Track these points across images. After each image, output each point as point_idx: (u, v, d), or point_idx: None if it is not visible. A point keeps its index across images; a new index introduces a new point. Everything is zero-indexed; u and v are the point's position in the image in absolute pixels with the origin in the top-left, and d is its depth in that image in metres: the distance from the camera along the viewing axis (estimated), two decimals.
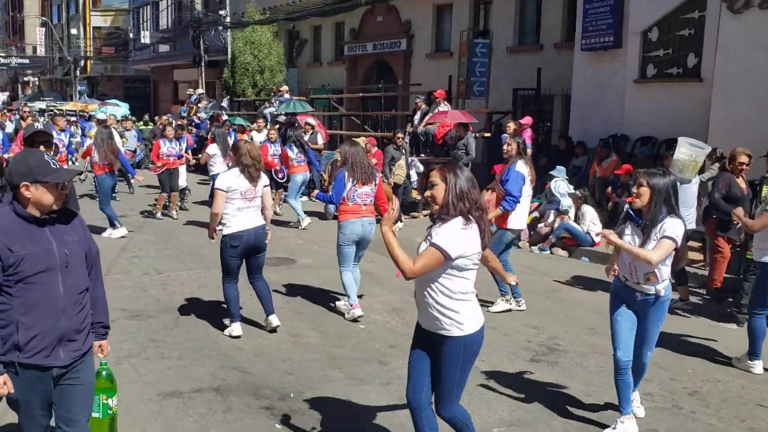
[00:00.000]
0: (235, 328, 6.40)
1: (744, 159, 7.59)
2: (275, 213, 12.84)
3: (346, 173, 6.91)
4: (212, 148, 11.99)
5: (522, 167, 7.17)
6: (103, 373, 3.65)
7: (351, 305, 7.05)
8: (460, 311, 3.53)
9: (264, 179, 6.39)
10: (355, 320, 6.97)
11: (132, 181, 15.55)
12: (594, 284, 8.85)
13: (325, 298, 7.75)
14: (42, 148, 4.50)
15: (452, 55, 18.91)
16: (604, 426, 4.71)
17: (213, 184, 11.20)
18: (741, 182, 7.70)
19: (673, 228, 4.30)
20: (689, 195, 7.72)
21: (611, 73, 14.00)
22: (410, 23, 21.44)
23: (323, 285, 8.26)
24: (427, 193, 3.58)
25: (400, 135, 13.11)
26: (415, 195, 13.38)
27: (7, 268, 3.02)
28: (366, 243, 7.16)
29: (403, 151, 12.95)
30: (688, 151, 7.70)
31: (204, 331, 6.55)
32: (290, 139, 12.40)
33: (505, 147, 7.39)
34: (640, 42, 13.37)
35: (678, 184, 7.24)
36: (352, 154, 6.95)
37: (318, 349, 6.19)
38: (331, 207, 11.55)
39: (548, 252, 10.74)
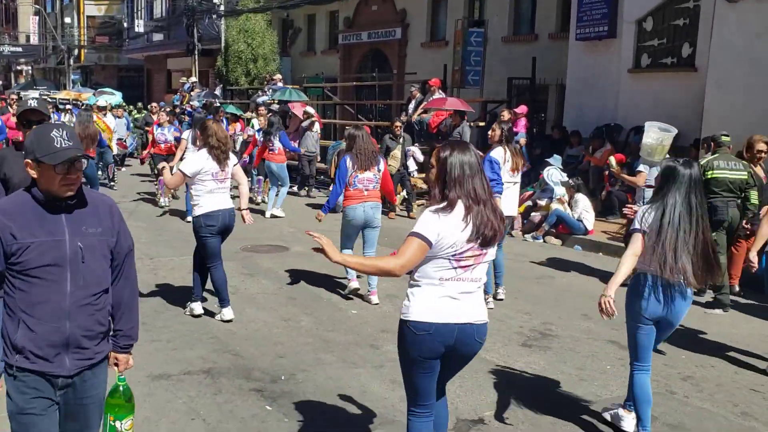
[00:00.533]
0: (226, 312, 6.36)
1: (762, 147, 7.48)
2: (253, 201, 12.78)
3: (349, 159, 6.96)
4: (186, 134, 11.85)
5: (496, 153, 6.92)
6: (120, 388, 2.92)
7: (349, 279, 7.26)
8: (413, 295, 3.24)
9: (233, 159, 6.38)
10: (352, 293, 7.21)
11: (115, 172, 15.27)
12: (587, 271, 8.84)
13: (318, 285, 7.71)
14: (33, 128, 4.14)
15: (447, 44, 18.86)
16: (596, 410, 4.69)
17: None
18: (759, 170, 7.65)
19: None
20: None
21: (606, 62, 13.97)
22: (405, 12, 21.36)
23: (316, 272, 8.21)
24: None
25: (398, 124, 13.01)
26: (420, 184, 13.21)
27: (9, 256, 2.66)
28: (374, 230, 7.22)
29: (401, 140, 12.82)
30: (656, 135, 7.84)
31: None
32: (273, 126, 12.30)
33: (489, 132, 7.35)
34: (634, 31, 13.35)
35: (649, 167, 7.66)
36: (356, 140, 7.02)
37: (310, 333, 6.16)
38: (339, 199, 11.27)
39: (541, 240, 10.72)
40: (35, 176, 2.69)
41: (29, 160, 2.69)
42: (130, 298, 2.96)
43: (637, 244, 4.10)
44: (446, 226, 3.12)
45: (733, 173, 7.26)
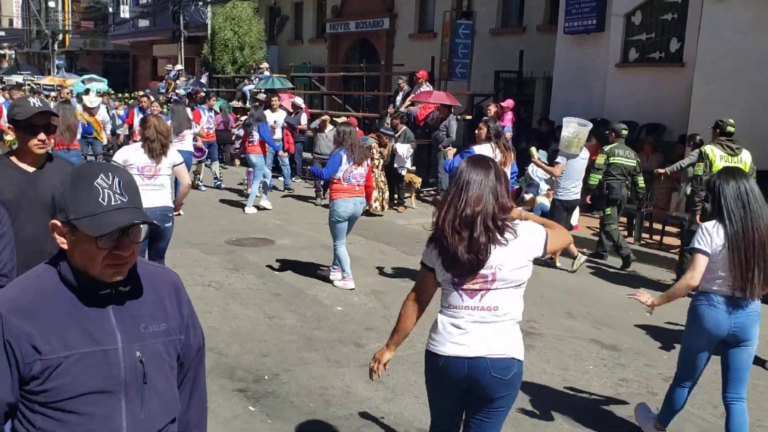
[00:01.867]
0: None
1: None
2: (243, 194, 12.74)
3: (345, 154, 7.11)
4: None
5: (480, 149, 6.85)
6: None
7: (344, 277, 7.35)
8: (436, 322, 3.03)
9: (172, 157, 6.11)
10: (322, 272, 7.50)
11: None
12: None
13: (303, 280, 7.69)
14: (41, 136, 3.29)
15: (435, 36, 18.79)
16: (581, 411, 4.72)
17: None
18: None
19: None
20: (576, 169, 8.50)
21: (593, 56, 13.98)
22: (393, 2, 21.28)
23: (302, 266, 8.20)
24: None
25: (396, 120, 13.00)
26: (410, 179, 12.69)
27: (28, 381, 1.70)
28: (354, 221, 7.47)
29: (397, 134, 12.60)
30: (573, 129, 8.43)
31: None
32: (252, 118, 12.23)
33: (476, 130, 7.36)
34: (623, 25, 13.37)
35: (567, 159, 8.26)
36: (350, 135, 7.23)
37: (295, 330, 6.14)
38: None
39: None
40: (66, 247, 1.77)
41: (57, 222, 1.77)
42: (200, 418, 2.09)
43: (699, 267, 3.87)
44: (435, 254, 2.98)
45: (627, 160, 8.77)
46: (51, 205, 1.80)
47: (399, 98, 15.21)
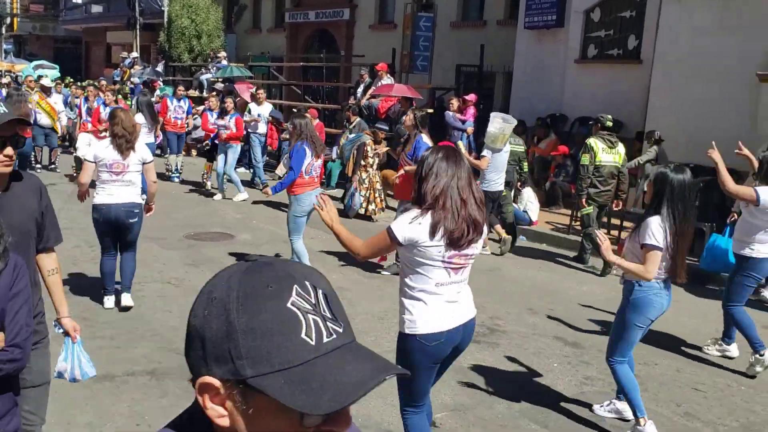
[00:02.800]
0: (107, 301, 6.30)
1: None
2: (210, 188, 12.57)
3: (308, 147, 7.05)
4: (139, 117, 11.46)
5: (428, 139, 7.37)
6: None
7: None
8: (414, 307, 3.24)
9: (141, 154, 6.12)
10: None
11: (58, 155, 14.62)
12: (533, 263, 8.95)
13: None
14: (7, 151, 2.78)
15: (396, 27, 18.74)
16: (547, 409, 4.75)
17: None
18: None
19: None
20: (500, 162, 8.95)
21: (553, 52, 14.09)
22: None
23: None
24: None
25: (349, 112, 12.85)
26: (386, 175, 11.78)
27: None
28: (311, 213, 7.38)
29: (351, 126, 12.47)
30: (499, 125, 8.80)
31: (137, 310, 6.32)
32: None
33: (404, 118, 7.65)
34: (582, 22, 13.49)
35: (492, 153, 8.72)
36: (307, 127, 7.13)
37: None
38: (357, 201, 10.99)
39: (487, 231, 10.77)
40: (224, 424, 0.94)
41: (212, 380, 0.92)
42: None
43: (657, 262, 4.18)
44: (417, 232, 3.16)
45: (517, 147, 9.60)
46: (29, 234, 1.50)
47: (360, 90, 15.13)
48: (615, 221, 10.32)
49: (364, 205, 11.02)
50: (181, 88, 15.42)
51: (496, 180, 8.96)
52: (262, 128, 13.29)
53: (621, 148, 8.70)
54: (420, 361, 3.28)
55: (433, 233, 3.12)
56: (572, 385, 5.24)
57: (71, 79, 23.72)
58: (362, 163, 11.16)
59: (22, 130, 2.84)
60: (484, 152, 8.89)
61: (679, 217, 4.15)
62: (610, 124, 8.75)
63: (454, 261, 3.20)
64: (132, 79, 22.08)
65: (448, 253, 3.17)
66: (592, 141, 8.59)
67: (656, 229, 4.13)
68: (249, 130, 13.07)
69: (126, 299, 6.27)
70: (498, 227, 9.29)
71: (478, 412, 4.70)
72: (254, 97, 13.59)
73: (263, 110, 13.41)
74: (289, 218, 7.32)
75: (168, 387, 4.79)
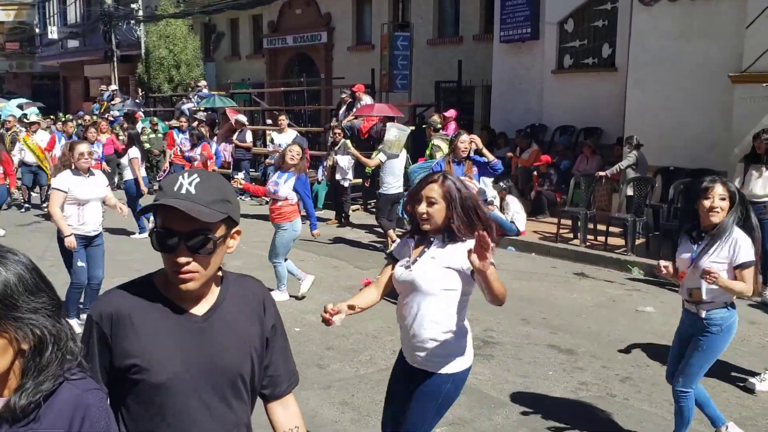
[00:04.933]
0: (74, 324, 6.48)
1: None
2: None
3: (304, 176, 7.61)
4: (134, 151, 11.50)
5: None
6: None
7: (281, 290, 7.64)
8: (462, 338, 3.25)
9: (101, 180, 6.71)
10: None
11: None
12: (522, 273, 9.03)
13: None
14: None
15: (374, 48, 18.93)
16: (545, 418, 4.81)
17: (125, 188, 11.06)
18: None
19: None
20: (397, 166, 9.93)
21: (529, 64, 14.30)
22: (330, 15, 21.34)
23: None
24: (423, 209, 3.13)
25: (337, 131, 12.91)
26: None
27: None
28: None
29: (337, 147, 12.54)
30: (395, 133, 9.89)
31: None
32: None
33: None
34: (556, 33, 13.72)
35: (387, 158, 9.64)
36: (303, 157, 7.63)
37: None
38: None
39: None
40: None
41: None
42: None
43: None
44: None
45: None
46: None
47: (342, 111, 15.23)
48: (601, 227, 10.46)
49: None
50: (183, 119, 15.38)
51: (393, 183, 9.89)
52: None
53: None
54: (454, 397, 3.29)
55: None
56: (568, 392, 5.31)
57: (70, 116, 23.70)
58: None
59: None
60: (380, 155, 9.97)
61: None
62: (440, 126, 10.98)
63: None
64: (112, 112, 22.10)
65: None
66: (438, 141, 10.34)
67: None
68: (271, 161, 12.92)
69: None
70: (391, 232, 9.83)
71: (477, 425, 4.75)
72: (276, 124, 13.57)
73: (286, 138, 12.96)
74: (280, 243, 7.50)
75: None
